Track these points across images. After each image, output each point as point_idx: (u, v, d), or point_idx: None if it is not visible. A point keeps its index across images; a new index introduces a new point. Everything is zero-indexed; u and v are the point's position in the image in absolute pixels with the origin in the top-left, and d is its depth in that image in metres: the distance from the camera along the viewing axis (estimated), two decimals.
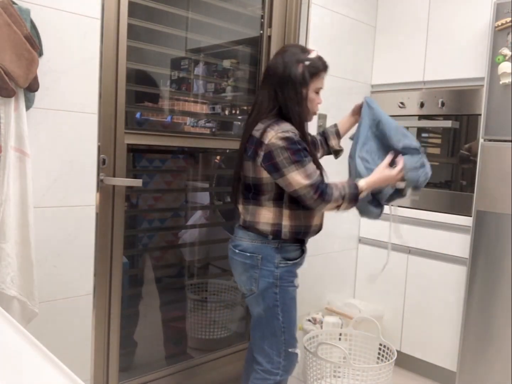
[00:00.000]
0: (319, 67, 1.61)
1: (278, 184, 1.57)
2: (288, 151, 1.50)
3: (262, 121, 1.58)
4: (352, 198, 1.57)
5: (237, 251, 1.66)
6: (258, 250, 1.62)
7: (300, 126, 1.59)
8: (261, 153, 1.54)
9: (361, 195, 1.60)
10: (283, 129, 1.52)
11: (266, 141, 1.52)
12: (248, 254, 1.63)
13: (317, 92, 1.64)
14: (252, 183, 1.61)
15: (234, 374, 2.29)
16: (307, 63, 1.59)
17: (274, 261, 1.62)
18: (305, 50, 1.64)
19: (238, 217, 1.71)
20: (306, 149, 1.56)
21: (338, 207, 1.58)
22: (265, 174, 1.56)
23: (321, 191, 1.53)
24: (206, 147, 2.41)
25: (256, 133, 1.57)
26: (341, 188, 1.57)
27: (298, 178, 1.51)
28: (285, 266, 1.64)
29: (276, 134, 1.51)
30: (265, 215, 1.61)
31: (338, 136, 1.94)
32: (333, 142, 1.93)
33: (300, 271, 1.73)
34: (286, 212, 1.61)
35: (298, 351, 1.71)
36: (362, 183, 1.62)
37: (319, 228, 1.73)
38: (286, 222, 1.61)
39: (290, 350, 1.68)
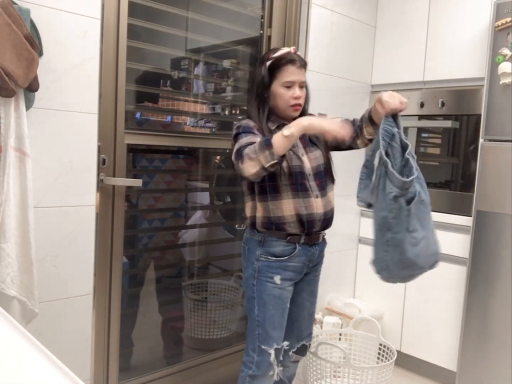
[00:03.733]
0: (280, 61, 1.63)
1: None
2: (237, 136, 1.60)
3: None
4: (263, 144, 1.45)
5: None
6: (246, 241, 1.73)
7: (275, 123, 1.68)
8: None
9: (283, 135, 1.44)
10: (240, 122, 1.67)
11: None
12: (243, 244, 1.76)
13: (288, 87, 1.63)
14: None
15: (234, 374, 2.28)
16: (268, 62, 1.65)
17: (256, 253, 1.67)
18: (275, 50, 1.68)
19: None
20: (248, 130, 1.60)
21: (259, 164, 1.45)
22: None
23: (240, 153, 1.51)
24: (206, 147, 2.41)
25: None
26: (254, 144, 1.51)
27: (233, 152, 1.57)
28: (265, 261, 1.66)
29: (234, 128, 1.67)
30: (248, 208, 1.72)
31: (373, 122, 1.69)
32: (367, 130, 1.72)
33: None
34: (258, 204, 1.67)
35: (272, 351, 1.67)
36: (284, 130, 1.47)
37: (300, 220, 1.62)
38: (259, 214, 1.66)
39: (263, 347, 1.67)
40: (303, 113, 1.73)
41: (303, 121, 1.46)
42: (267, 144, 1.44)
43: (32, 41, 1.38)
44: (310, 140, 1.74)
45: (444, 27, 2.45)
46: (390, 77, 2.67)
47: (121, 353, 1.92)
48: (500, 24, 2.12)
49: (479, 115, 2.29)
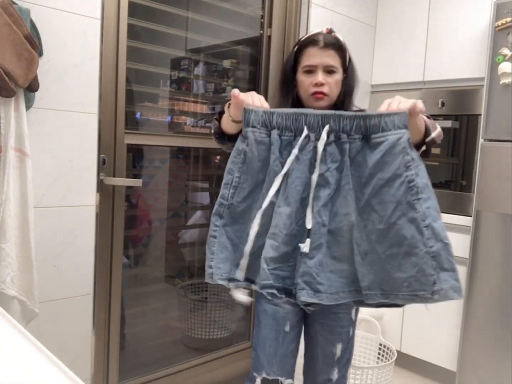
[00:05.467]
0: (303, 44, 1.38)
1: None
2: None
3: None
4: (214, 119, 1.35)
5: None
6: None
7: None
8: None
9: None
10: None
11: None
12: None
13: (307, 71, 1.36)
14: None
15: (234, 374, 2.28)
16: (296, 47, 1.42)
17: None
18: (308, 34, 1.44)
19: None
20: None
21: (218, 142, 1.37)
22: None
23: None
24: (206, 147, 2.41)
25: None
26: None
27: None
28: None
29: None
30: None
31: None
32: None
33: None
34: None
35: (258, 380, 1.40)
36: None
37: None
38: None
39: (253, 373, 1.43)
40: (339, 105, 1.40)
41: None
42: (219, 111, 1.34)
43: (32, 41, 1.38)
44: None
45: (444, 27, 2.45)
46: (390, 77, 2.67)
47: (121, 353, 1.92)
48: (500, 24, 2.12)
49: (479, 115, 2.29)
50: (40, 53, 1.47)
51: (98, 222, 1.71)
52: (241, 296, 1.21)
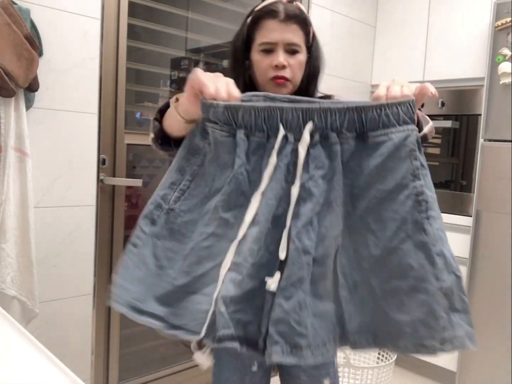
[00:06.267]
0: (259, 16, 1.09)
1: None
2: None
3: None
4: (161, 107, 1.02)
5: None
6: None
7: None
8: None
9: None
10: None
11: None
12: None
13: (264, 51, 1.08)
14: None
15: None
16: (249, 18, 1.11)
17: None
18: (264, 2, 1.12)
19: None
20: None
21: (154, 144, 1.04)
22: None
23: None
24: None
25: None
26: None
27: None
28: None
29: None
30: None
31: None
32: None
33: None
34: None
35: None
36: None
37: None
38: None
39: None
40: (303, 91, 1.14)
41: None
42: (160, 109, 1.00)
43: (32, 41, 1.38)
44: None
45: (444, 27, 2.45)
46: (390, 77, 2.66)
47: (121, 353, 1.92)
48: (500, 24, 2.11)
49: (479, 115, 2.29)
50: (40, 53, 1.47)
51: (98, 222, 1.71)
52: (199, 357, 0.91)
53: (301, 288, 0.81)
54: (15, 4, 1.38)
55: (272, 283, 0.81)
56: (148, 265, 0.86)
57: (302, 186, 0.83)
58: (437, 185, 2.54)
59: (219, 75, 0.88)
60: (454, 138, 2.51)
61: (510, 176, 2.10)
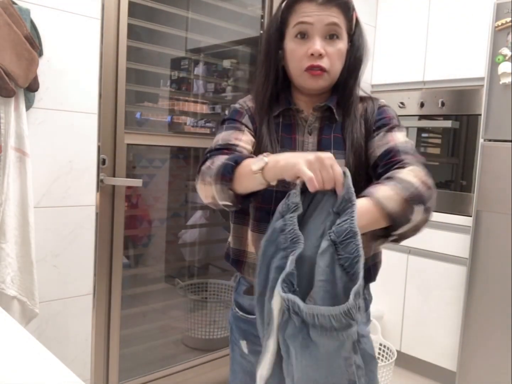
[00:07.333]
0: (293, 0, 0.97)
1: None
2: (222, 123, 1.08)
3: None
4: (221, 171, 0.89)
5: None
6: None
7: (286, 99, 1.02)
8: None
9: (251, 170, 0.84)
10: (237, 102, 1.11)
11: None
12: None
13: (299, 36, 0.96)
14: None
15: None
16: (283, 3, 1.00)
17: (233, 295, 1.14)
18: None
19: None
20: (234, 119, 1.04)
21: (211, 196, 0.94)
22: None
23: (202, 163, 0.99)
24: (206, 147, 2.41)
25: None
26: (218, 161, 0.93)
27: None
28: (234, 313, 1.11)
29: None
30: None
31: None
32: None
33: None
34: (232, 226, 1.10)
35: None
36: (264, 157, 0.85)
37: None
38: (230, 239, 1.11)
39: None
40: (341, 86, 1.02)
41: (285, 159, 0.81)
42: (224, 175, 0.88)
43: (32, 41, 1.38)
44: (334, 139, 1.00)
45: (444, 27, 2.45)
46: (390, 77, 2.67)
47: (121, 353, 1.92)
48: (500, 24, 2.11)
49: (479, 115, 2.29)
50: (40, 53, 1.47)
51: (98, 222, 1.71)
52: None
53: None
54: (15, 4, 1.38)
55: None
56: None
57: None
58: (437, 185, 2.52)
59: (324, 159, 0.76)
60: (454, 138, 2.51)
61: (510, 176, 2.10)
